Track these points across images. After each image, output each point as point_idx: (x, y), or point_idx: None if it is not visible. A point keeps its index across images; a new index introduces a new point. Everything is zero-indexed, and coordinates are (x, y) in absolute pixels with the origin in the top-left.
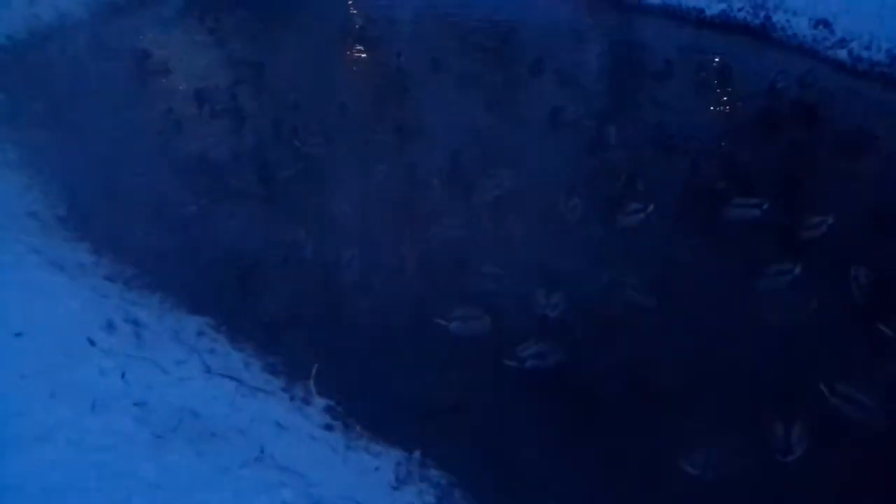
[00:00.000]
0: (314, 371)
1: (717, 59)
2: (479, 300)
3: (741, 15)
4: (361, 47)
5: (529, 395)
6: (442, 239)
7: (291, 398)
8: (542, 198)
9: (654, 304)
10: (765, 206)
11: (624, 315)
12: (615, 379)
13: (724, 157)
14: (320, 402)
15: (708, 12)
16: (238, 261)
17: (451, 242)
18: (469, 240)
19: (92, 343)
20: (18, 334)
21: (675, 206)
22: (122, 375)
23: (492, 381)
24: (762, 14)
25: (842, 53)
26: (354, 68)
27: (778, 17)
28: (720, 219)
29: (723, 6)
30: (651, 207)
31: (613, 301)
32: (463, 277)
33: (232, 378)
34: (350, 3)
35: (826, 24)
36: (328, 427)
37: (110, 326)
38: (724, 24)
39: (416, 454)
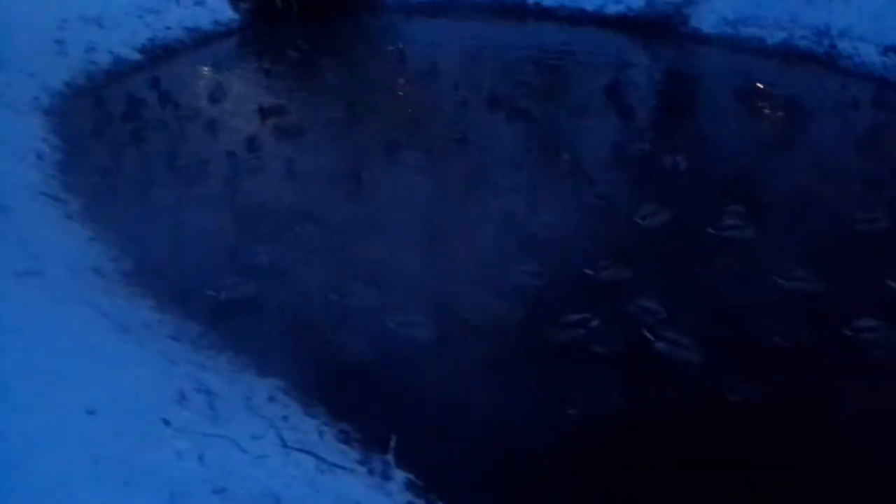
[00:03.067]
0: (393, 443)
1: (779, 88)
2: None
3: (804, 43)
4: (417, 81)
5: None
6: (525, 287)
7: (370, 472)
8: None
9: None
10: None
11: None
12: None
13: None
14: (400, 475)
15: (769, 41)
16: (304, 314)
17: (534, 290)
18: (551, 289)
19: (166, 423)
20: (91, 412)
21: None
22: (200, 458)
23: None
24: (826, 42)
25: None
26: (411, 102)
27: (844, 45)
28: None
29: (784, 35)
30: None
31: None
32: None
33: (309, 453)
34: (402, 39)
35: None
36: None
37: (183, 398)
38: (786, 54)
39: None
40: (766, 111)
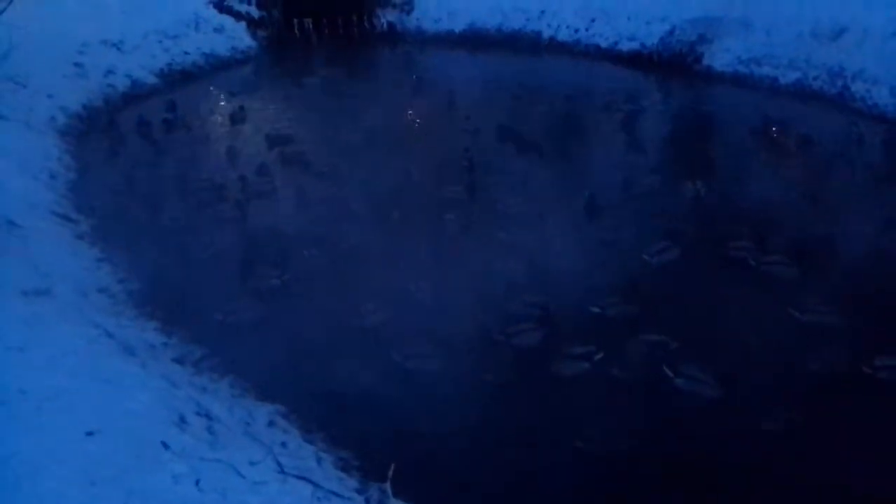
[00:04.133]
0: (391, 472)
1: (789, 128)
2: None
3: (817, 84)
4: (430, 111)
5: None
6: (530, 320)
7: (367, 501)
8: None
9: None
10: None
11: None
12: None
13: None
14: None
15: (782, 81)
16: (307, 340)
17: (538, 323)
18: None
19: (166, 446)
20: (90, 433)
21: None
22: (197, 483)
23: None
24: (839, 83)
25: None
26: (422, 131)
27: (857, 87)
28: None
29: (797, 74)
30: None
31: None
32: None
33: (306, 480)
34: (419, 70)
35: None
36: None
37: (182, 422)
38: (799, 93)
39: None
40: (776, 150)
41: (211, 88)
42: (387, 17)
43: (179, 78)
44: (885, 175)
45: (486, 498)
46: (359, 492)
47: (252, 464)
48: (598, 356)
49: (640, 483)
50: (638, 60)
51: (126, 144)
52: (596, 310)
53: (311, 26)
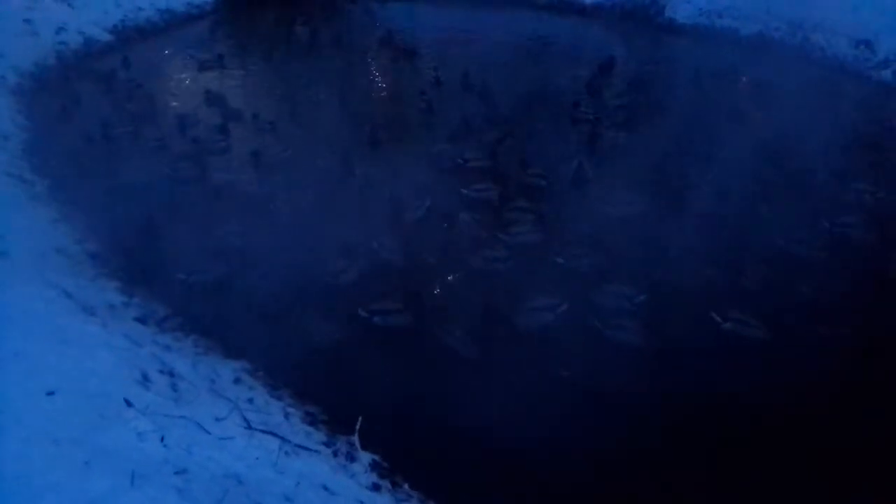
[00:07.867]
0: (358, 425)
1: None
2: None
3: (777, 35)
4: (388, 65)
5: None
6: (490, 272)
7: (335, 454)
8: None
9: None
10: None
11: None
12: None
13: None
14: (365, 456)
15: (743, 32)
16: (271, 296)
17: (500, 274)
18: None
19: (129, 404)
20: (51, 393)
21: None
22: (162, 439)
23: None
24: (800, 34)
25: (885, 74)
26: (380, 85)
27: (817, 37)
28: None
29: (758, 26)
30: None
31: None
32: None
33: (273, 434)
34: (379, 25)
35: (868, 44)
36: (375, 487)
37: (146, 380)
38: (760, 45)
39: None
40: (737, 101)
41: (166, 45)
42: None
43: (133, 35)
44: (838, 122)
45: (449, 447)
46: (327, 445)
47: (218, 420)
48: (562, 308)
49: None
50: (600, 13)
51: (80, 103)
52: (560, 261)
53: None
